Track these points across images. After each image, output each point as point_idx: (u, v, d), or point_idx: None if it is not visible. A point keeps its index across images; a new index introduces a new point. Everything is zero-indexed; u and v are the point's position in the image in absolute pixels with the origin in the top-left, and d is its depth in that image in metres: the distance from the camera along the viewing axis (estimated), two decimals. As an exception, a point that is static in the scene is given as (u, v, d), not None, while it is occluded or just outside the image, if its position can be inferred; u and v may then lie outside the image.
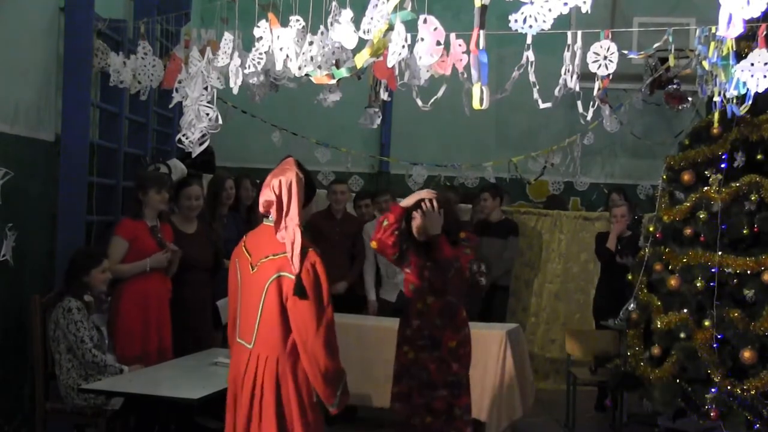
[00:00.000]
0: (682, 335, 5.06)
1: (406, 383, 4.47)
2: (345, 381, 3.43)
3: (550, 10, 2.94)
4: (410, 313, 4.51)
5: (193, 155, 4.87)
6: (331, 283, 3.43)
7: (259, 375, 3.34)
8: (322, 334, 3.27)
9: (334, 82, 4.17)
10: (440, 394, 4.40)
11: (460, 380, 4.45)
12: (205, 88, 4.70)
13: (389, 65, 3.42)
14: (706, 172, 5.30)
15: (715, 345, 4.90)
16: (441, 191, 4.69)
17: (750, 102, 4.06)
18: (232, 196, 6.13)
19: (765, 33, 3.69)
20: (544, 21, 2.97)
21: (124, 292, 5.03)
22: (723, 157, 5.19)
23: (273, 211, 3.34)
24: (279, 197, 3.31)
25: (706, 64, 4.59)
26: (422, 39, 3.15)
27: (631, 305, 5.44)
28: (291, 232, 3.29)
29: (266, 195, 3.36)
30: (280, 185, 3.32)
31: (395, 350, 4.57)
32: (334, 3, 3.95)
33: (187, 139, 4.72)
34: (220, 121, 4.71)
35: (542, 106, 4.10)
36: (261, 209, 3.42)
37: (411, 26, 3.20)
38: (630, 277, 5.68)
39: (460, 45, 3.81)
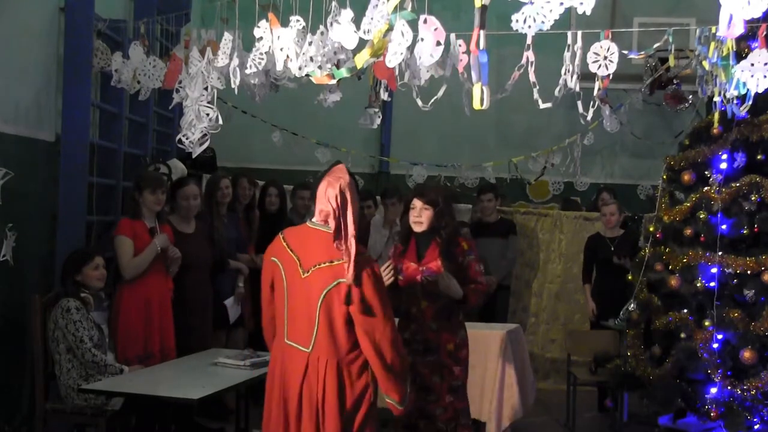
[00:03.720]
0: (682, 335, 5.06)
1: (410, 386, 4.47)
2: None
3: (551, 10, 2.94)
4: (406, 317, 4.47)
5: (194, 155, 4.87)
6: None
7: (320, 379, 3.36)
8: (389, 332, 3.35)
9: (334, 82, 4.18)
10: (446, 401, 4.33)
11: (463, 384, 4.41)
12: (206, 89, 4.70)
13: (389, 66, 3.42)
14: (706, 172, 5.30)
15: (715, 345, 4.90)
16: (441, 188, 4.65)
17: (750, 102, 4.07)
18: (228, 195, 6.11)
19: (765, 33, 3.70)
20: (543, 22, 2.97)
21: (125, 292, 5.02)
22: (723, 156, 5.19)
23: (331, 220, 3.34)
24: (336, 210, 3.32)
25: (706, 64, 4.60)
26: (422, 39, 3.15)
27: (632, 305, 5.44)
28: (350, 243, 3.30)
29: (322, 204, 3.37)
30: (336, 199, 3.32)
31: None
32: (334, 3, 3.94)
33: (187, 139, 4.72)
34: (221, 122, 4.71)
35: (542, 106, 4.11)
36: (318, 218, 3.40)
37: (411, 26, 3.20)
38: (630, 277, 5.69)
39: (460, 45, 3.82)
